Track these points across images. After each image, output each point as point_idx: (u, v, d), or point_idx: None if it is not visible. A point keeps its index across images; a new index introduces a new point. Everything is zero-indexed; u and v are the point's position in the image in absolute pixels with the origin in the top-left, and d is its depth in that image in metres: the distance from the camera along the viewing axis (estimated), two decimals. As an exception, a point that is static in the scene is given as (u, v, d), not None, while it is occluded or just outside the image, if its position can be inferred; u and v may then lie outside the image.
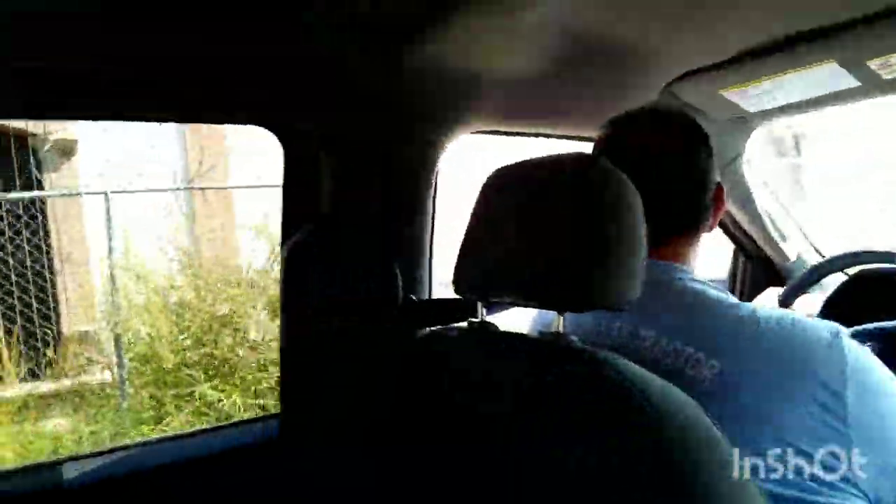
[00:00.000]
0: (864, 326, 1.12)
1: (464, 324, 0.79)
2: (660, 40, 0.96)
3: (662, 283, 0.74)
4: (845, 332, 0.67)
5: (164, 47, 0.81)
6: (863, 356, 0.66)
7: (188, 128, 4.58)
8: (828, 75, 0.99)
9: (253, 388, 3.41)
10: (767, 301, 1.54)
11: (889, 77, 0.99)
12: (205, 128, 4.48)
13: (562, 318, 0.61)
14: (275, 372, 3.36)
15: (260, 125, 0.98)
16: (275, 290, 3.61)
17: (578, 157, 0.62)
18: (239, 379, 3.43)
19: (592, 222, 0.58)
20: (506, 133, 1.28)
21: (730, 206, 1.53)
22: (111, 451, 1.08)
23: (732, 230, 1.66)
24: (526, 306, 0.67)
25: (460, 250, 0.73)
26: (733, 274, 1.78)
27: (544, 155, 0.67)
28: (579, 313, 0.61)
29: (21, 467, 1.02)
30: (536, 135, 1.33)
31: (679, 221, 0.80)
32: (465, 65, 0.94)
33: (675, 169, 0.78)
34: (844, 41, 0.91)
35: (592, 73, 1.03)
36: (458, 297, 0.74)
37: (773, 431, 0.61)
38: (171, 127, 4.51)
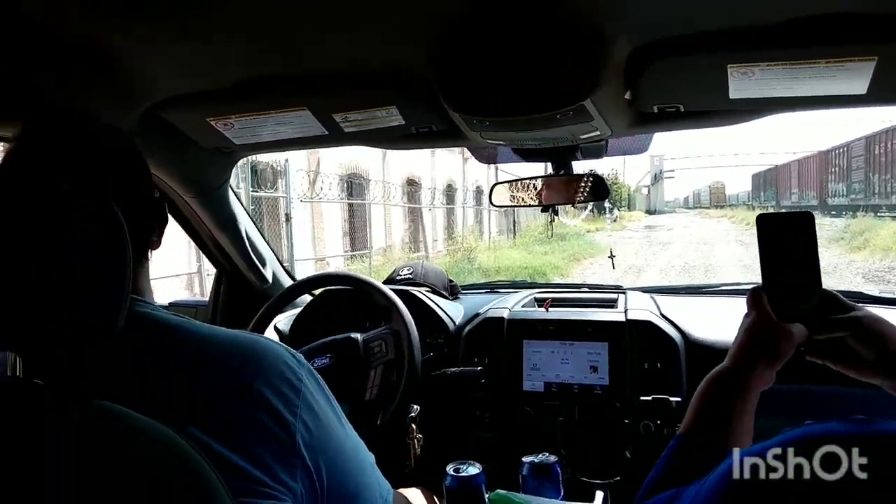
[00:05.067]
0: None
1: None
2: (146, 59, 0.91)
3: None
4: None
5: None
6: None
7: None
8: (302, 121, 1.12)
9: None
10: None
11: (349, 130, 1.15)
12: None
13: None
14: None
15: None
16: None
17: None
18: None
19: None
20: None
21: (214, 230, 1.58)
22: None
23: (215, 253, 1.67)
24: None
25: None
26: (215, 294, 1.80)
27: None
28: None
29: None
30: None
31: None
32: None
33: None
34: (316, 93, 1.03)
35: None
36: None
37: None
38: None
